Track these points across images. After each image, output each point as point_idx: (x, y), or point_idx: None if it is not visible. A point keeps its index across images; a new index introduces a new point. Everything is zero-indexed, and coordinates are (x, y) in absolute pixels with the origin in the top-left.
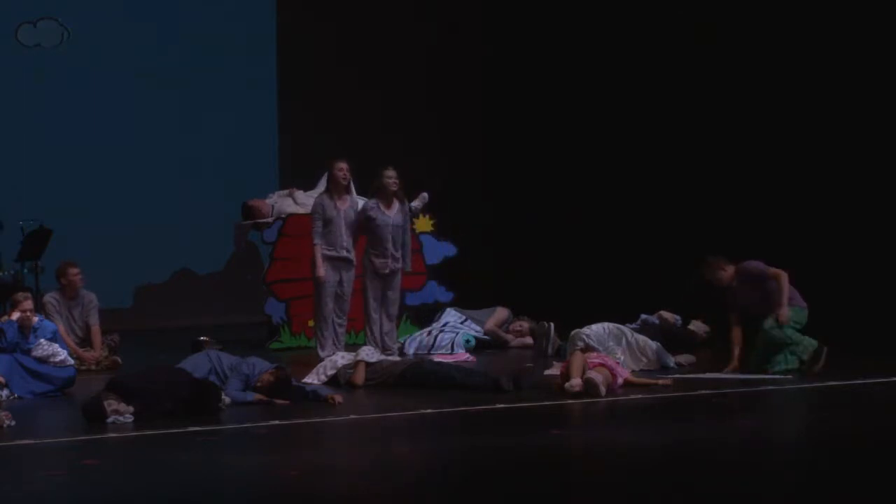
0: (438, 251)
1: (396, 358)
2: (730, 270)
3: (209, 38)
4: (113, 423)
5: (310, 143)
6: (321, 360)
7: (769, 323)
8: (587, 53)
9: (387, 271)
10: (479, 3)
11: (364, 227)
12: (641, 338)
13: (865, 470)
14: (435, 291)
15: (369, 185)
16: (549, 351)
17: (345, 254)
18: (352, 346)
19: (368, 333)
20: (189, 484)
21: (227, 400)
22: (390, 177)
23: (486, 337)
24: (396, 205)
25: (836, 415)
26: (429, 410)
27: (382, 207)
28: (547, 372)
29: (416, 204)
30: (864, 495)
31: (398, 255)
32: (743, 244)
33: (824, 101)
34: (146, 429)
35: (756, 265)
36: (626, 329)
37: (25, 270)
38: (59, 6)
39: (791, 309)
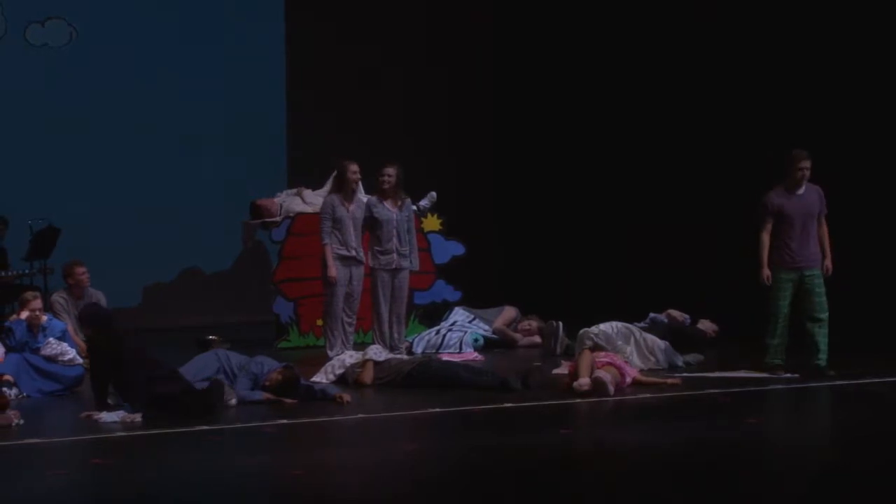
0: (447, 250)
1: (404, 357)
2: (806, 175)
3: (217, 38)
4: None
5: (319, 142)
6: (329, 359)
7: (815, 279)
8: (597, 54)
9: (393, 266)
10: (490, 3)
11: (368, 224)
12: (650, 337)
13: (874, 469)
14: (443, 290)
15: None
16: (558, 350)
17: (354, 253)
18: (360, 345)
19: (376, 332)
20: (197, 483)
21: (233, 402)
22: (386, 174)
23: (494, 336)
24: (396, 201)
25: (844, 414)
26: (437, 409)
27: (383, 203)
28: (555, 371)
29: (424, 203)
30: (873, 494)
31: (404, 250)
32: (750, 243)
33: (827, 102)
34: (153, 428)
35: (823, 199)
36: (634, 328)
37: (34, 270)
38: (67, 6)
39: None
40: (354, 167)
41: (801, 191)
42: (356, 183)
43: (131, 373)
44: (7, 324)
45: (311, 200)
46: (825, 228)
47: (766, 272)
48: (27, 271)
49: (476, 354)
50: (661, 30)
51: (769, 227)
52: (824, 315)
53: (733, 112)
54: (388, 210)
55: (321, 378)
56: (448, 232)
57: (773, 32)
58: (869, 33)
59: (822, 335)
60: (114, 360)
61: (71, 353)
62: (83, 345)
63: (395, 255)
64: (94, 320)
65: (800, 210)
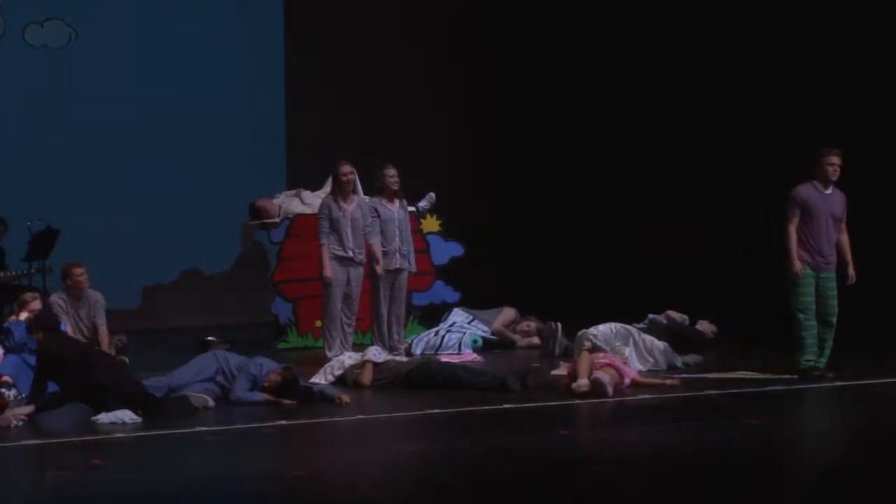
0: (445, 251)
1: (403, 358)
2: (836, 172)
3: (217, 38)
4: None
5: (319, 142)
6: (328, 360)
7: (829, 281)
8: (596, 55)
9: (395, 266)
10: (493, 5)
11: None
12: (648, 338)
13: (874, 469)
14: (442, 291)
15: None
16: (557, 351)
17: (351, 254)
18: (359, 346)
19: (375, 333)
20: (196, 484)
21: (210, 404)
22: (391, 175)
23: (493, 337)
24: (397, 201)
25: (844, 415)
26: (436, 410)
27: (385, 203)
28: (554, 372)
29: (423, 204)
30: (873, 495)
31: (405, 250)
32: (752, 243)
33: (826, 102)
34: (153, 429)
35: (846, 206)
36: (633, 329)
37: (33, 270)
38: (67, 6)
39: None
40: (345, 168)
41: (829, 190)
42: (349, 184)
43: (84, 376)
44: (6, 325)
45: (310, 202)
46: (846, 236)
47: (798, 265)
48: (26, 272)
49: (475, 355)
50: (660, 31)
51: (796, 220)
52: (835, 319)
53: (733, 113)
54: (390, 210)
55: (320, 379)
56: (447, 233)
57: (773, 33)
58: (870, 33)
59: (829, 339)
60: (65, 364)
61: None
62: None
63: (397, 256)
64: (41, 322)
65: (825, 208)
